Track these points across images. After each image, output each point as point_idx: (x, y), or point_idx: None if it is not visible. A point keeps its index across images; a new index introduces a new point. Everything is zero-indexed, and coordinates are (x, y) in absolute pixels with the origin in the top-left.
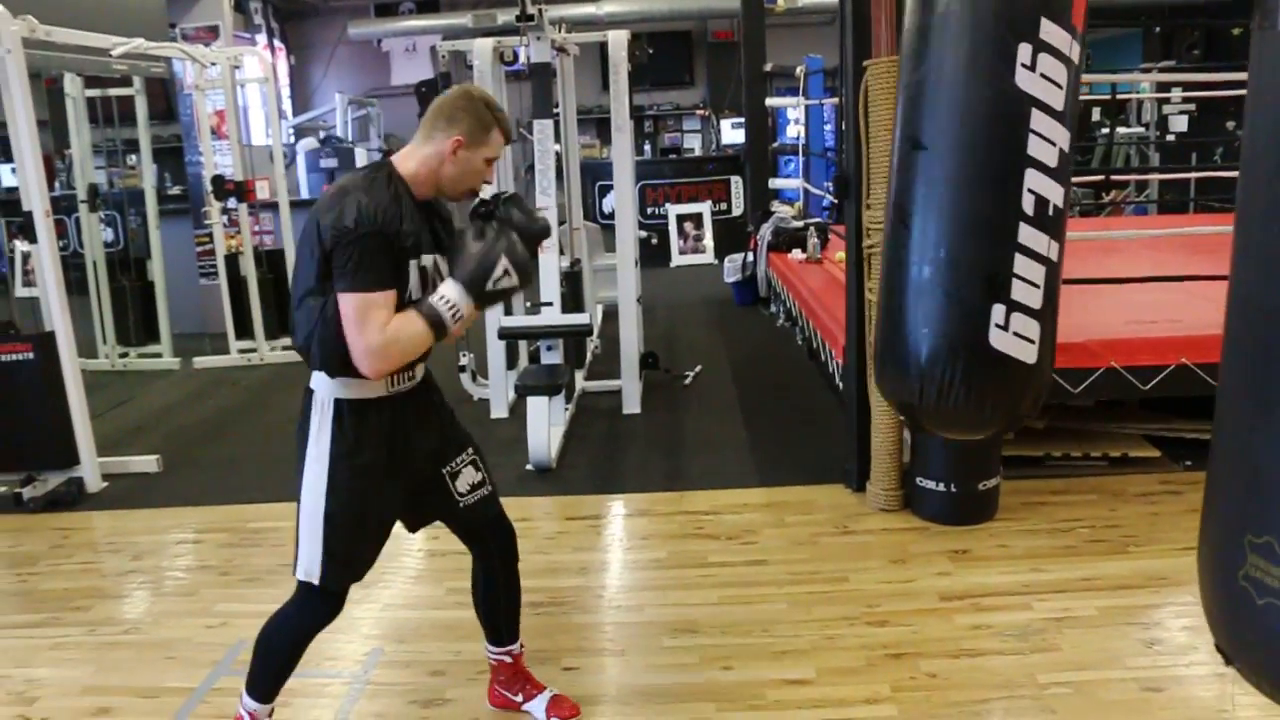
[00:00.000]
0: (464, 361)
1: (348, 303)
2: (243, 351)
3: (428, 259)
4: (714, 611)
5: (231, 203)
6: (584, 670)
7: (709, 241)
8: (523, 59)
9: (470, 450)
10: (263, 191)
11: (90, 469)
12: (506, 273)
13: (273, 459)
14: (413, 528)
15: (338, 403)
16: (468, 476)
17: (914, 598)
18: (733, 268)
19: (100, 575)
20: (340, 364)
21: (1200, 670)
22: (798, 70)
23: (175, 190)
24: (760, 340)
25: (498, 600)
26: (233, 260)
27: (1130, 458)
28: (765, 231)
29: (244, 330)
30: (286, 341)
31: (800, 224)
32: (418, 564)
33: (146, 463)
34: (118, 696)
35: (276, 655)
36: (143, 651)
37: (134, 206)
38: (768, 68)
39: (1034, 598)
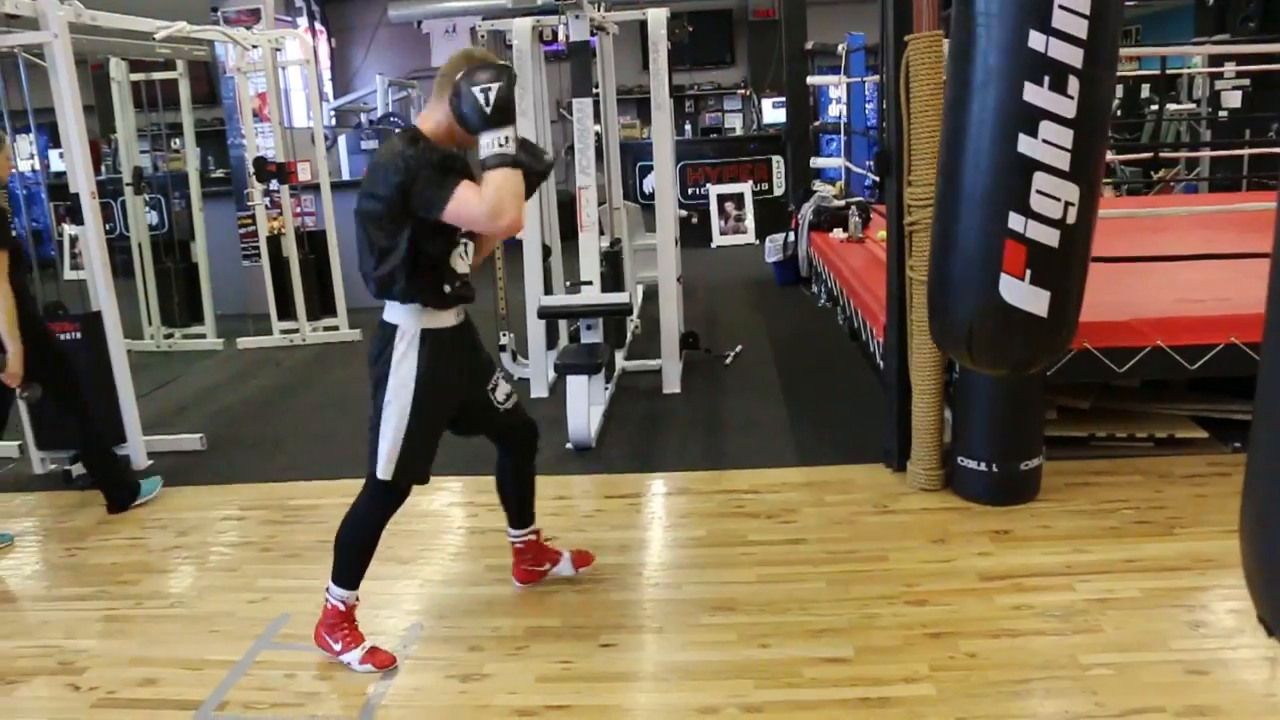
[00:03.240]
0: (504, 341)
1: (451, 212)
2: (285, 332)
3: None
4: (752, 590)
5: (273, 184)
6: (622, 647)
7: (750, 222)
8: (561, 38)
9: (499, 369)
10: (304, 173)
11: (136, 447)
12: (485, 90)
13: (314, 438)
14: (464, 432)
15: (423, 333)
16: (503, 389)
17: (954, 577)
18: (774, 247)
19: (146, 551)
20: (420, 289)
21: (1246, 654)
22: (839, 48)
23: (218, 173)
24: (801, 320)
25: (523, 485)
26: (275, 242)
27: (1177, 439)
28: (807, 210)
29: (286, 311)
30: (328, 322)
31: (842, 203)
32: (458, 541)
33: (191, 441)
34: (163, 668)
35: (358, 547)
36: (187, 625)
37: (178, 189)
38: (809, 45)
39: (1076, 578)
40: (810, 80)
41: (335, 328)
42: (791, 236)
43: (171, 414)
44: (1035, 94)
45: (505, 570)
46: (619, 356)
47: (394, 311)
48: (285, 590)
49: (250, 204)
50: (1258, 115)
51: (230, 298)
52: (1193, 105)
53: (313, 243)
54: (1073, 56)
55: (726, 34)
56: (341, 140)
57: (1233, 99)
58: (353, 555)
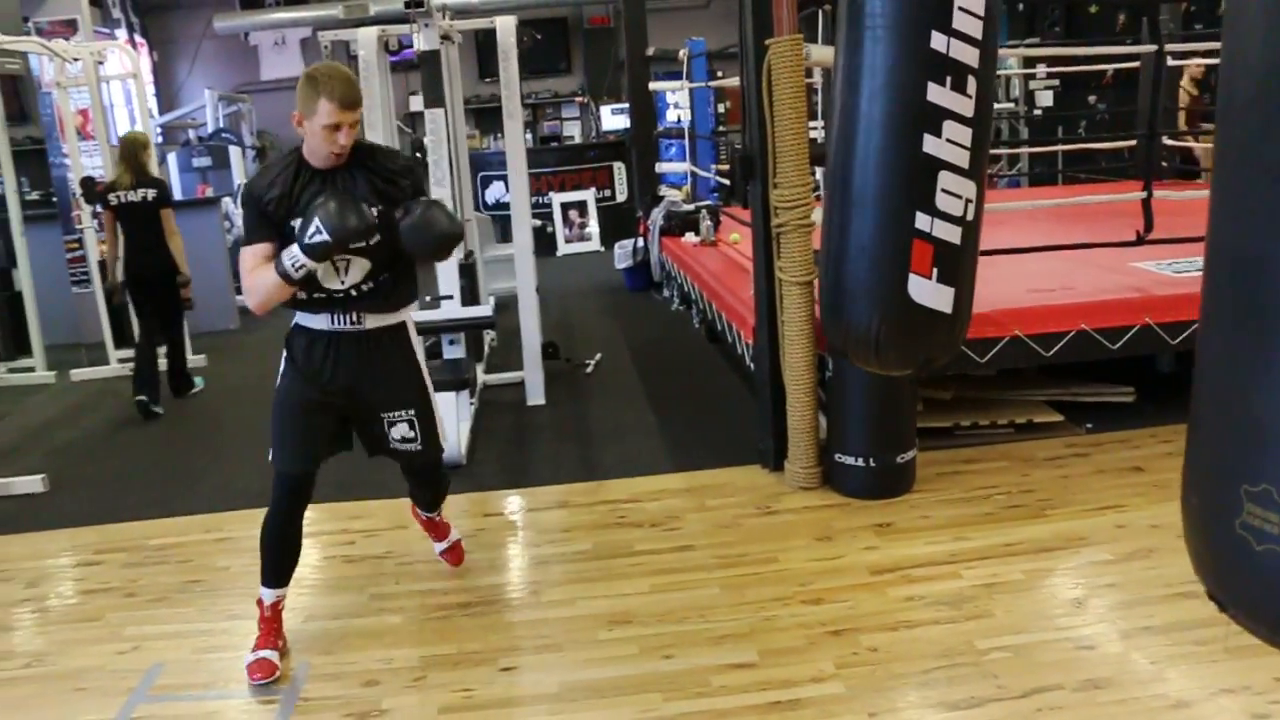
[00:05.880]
0: None
1: (240, 258)
2: (123, 361)
3: None
4: (648, 600)
5: (101, 206)
6: (523, 669)
7: (594, 228)
8: (417, 45)
9: (413, 412)
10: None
11: None
12: (318, 229)
13: (169, 471)
14: (370, 452)
15: (294, 326)
16: (400, 430)
17: (844, 573)
18: (623, 254)
19: None
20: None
21: (1126, 625)
22: (680, 53)
23: (33, 196)
24: (657, 325)
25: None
26: (107, 266)
27: (1035, 423)
28: (657, 216)
29: (123, 339)
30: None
31: (691, 207)
32: (337, 572)
33: (30, 483)
34: None
35: (264, 542)
36: (48, 685)
37: None
38: (649, 52)
39: (962, 566)
40: (652, 86)
41: None
42: (641, 242)
43: (4, 454)
44: (939, 94)
45: (391, 599)
46: (479, 370)
47: None
48: (157, 638)
49: (78, 227)
50: (1067, 113)
51: (60, 327)
52: (1011, 104)
53: None
54: (971, 57)
55: (563, 42)
56: (171, 158)
57: (1045, 98)
58: (262, 551)
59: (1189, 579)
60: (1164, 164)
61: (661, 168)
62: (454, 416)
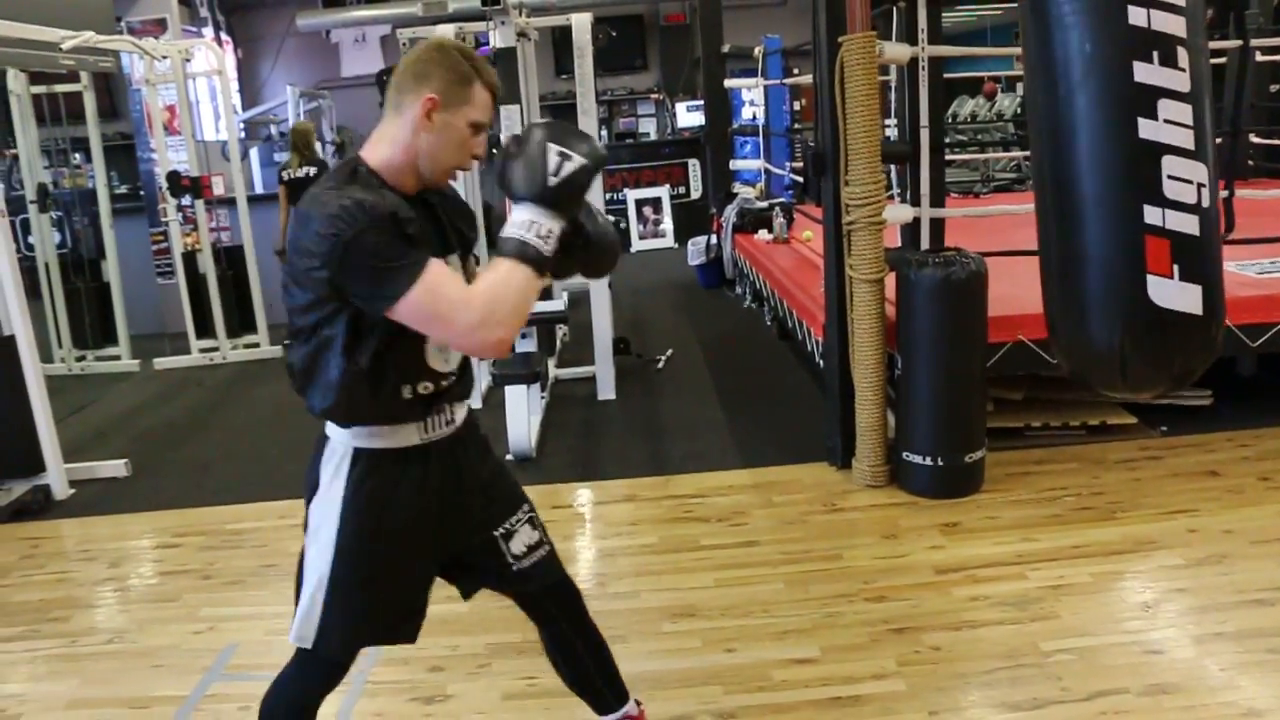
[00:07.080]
0: None
1: (408, 308)
2: (204, 351)
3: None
4: (712, 594)
5: (186, 200)
6: None
7: (668, 225)
8: (493, 42)
9: (526, 506)
10: (218, 187)
11: (57, 476)
12: (563, 155)
13: (246, 458)
14: (466, 594)
15: (356, 453)
16: (524, 537)
17: (909, 572)
18: (696, 250)
19: (76, 584)
20: (348, 410)
21: (1196, 631)
22: (756, 50)
23: (122, 189)
24: (729, 321)
25: (584, 664)
26: (190, 258)
27: (1108, 425)
28: (730, 213)
29: (205, 329)
30: (249, 339)
31: (765, 204)
32: None
33: (115, 467)
34: (107, 709)
35: None
36: (128, 661)
37: (81, 206)
38: (725, 49)
39: (1028, 567)
40: (728, 83)
41: (256, 345)
42: (714, 239)
43: (90, 440)
44: (1147, 72)
45: None
46: (550, 364)
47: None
48: (231, 619)
49: (164, 220)
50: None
51: (144, 317)
52: None
53: (230, 258)
54: (1176, 26)
55: (638, 39)
56: (253, 153)
57: None
58: None
59: (1263, 586)
60: (1250, 162)
61: (736, 165)
62: (524, 409)
